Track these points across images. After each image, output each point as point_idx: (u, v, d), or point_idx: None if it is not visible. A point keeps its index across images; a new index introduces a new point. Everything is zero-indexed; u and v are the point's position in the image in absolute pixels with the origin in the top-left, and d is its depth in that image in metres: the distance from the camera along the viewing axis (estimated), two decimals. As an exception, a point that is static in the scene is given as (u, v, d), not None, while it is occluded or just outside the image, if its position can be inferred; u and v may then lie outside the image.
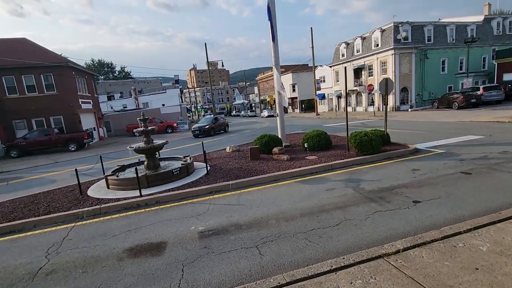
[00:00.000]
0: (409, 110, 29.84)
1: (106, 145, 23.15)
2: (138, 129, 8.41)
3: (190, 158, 9.20)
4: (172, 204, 6.59)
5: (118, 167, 9.00)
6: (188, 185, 7.51)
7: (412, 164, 8.29)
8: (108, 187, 7.80)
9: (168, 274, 3.82)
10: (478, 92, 24.55)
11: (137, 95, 46.12)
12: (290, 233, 4.66)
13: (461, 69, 32.51)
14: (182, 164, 8.46)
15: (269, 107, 62.23)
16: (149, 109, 36.60)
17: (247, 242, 4.49)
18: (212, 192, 7.15)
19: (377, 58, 32.26)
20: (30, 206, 7.04)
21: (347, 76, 9.44)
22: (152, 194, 6.99)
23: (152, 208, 6.45)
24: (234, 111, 76.34)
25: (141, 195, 6.85)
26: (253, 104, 75.06)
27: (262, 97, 68.96)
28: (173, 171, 7.80)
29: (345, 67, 9.72)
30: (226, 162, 9.86)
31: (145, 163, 8.56)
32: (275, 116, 47.59)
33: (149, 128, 8.48)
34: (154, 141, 8.61)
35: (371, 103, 34.22)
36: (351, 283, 3.11)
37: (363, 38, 34.77)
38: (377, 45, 32.24)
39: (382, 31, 31.40)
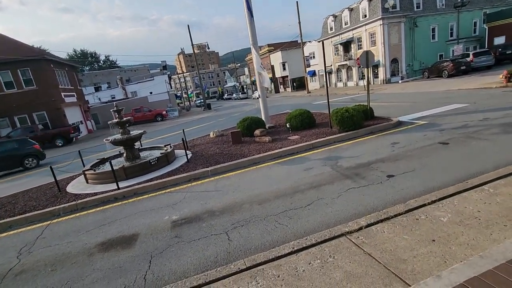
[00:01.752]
0: (400, 81, 29.53)
1: (95, 138, 22.85)
2: (112, 121, 8.21)
3: (171, 147, 9.08)
4: (149, 195, 6.55)
5: (98, 160, 8.87)
6: (167, 174, 7.45)
7: (392, 137, 8.25)
8: (87, 182, 7.73)
9: (136, 266, 3.82)
10: (468, 59, 24.21)
11: (124, 84, 45.10)
12: (261, 217, 4.66)
13: (451, 35, 31.87)
14: (161, 153, 8.35)
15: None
16: (137, 98, 35.95)
17: (218, 229, 4.49)
18: (190, 180, 7.11)
19: (366, 30, 31.46)
20: (7, 206, 6.98)
21: (324, 52, 9.15)
22: (130, 186, 6.94)
23: (129, 200, 6.41)
24: (226, 94, 75.25)
25: (118, 188, 6.80)
26: (244, 86, 73.97)
27: (253, 78, 67.82)
28: (151, 161, 7.71)
29: (322, 42, 9.42)
30: (208, 148, 9.77)
31: (124, 154, 8.44)
32: (267, 97, 47.09)
33: (124, 119, 8.28)
34: (131, 132, 8.44)
35: (362, 77, 33.76)
36: (309, 264, 3.12)
37: (351, 10, 33.71)
38: (365, 16, 31.32)
39: (370, 0, 30.39)
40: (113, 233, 4.90)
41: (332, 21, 37.58)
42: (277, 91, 57.56)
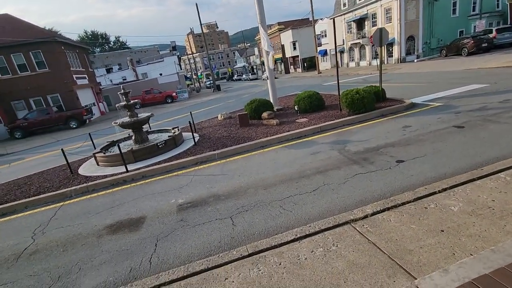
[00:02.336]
0: (415, 61, 28.21)
1: (107, 120, 23.17)
2: (120, 103, 8.21)
3: (178, 129, 9.08)
4: (157, 178, 6.63)
5: (107, 143, 9.00)
6: (174, 157, 7.50)
7: (404, 120, 7.95)
8: (97, 164, 7.89)
9: (142, 249, 3.91)
10: (491, 35, 22.72)
11: (134, 65, 45.07)
12: (266, 202, 4.64)
13: (474, 10, 29.78)
14: (169, 136, 8.37)
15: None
16: (147, 80, 35.91)
17: (223, 213, 4.51)
18: (197, 163, 7.13)
19: (381, 5, 29.77)
20: (23, 187, 7.24)
21: (335, 30, 8.71)
22: (138, 169, 7.03)
23: (137, 183, 6.52)
24: (236, 75, 74.25)
25: (127, 171, 6.90)
26: (254, 66, 72.64)
27: (262, 59, 66.42)
28: (158, 144, 7.74)
29: (334, 20, 8.95)
30: (216, 131, 9.73)
31: (133, 137, 8.51)
32: (276, 78, 46.17)
33: (131, 102, 8.27)
34: (138, 115, 8.45)
35: (375, 56, 32.39)
36: (311, 252, 3.09)
37: (366, -16, 31.80)
38: (382, -10, 29.53)
39: (387, -27, 28.51)
40: (121, 216, 5.02)
41: (346, -4, 35.67)
42: (287, 71, 56.27)
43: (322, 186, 4.84)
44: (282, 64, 57.66)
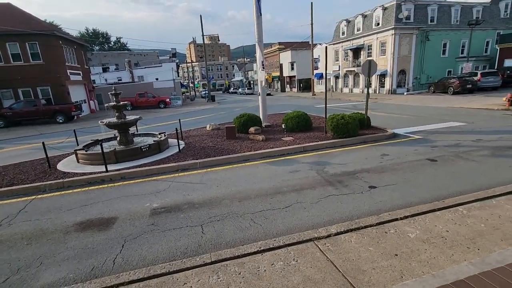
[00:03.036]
0: (405, 93, 29.40)
1: (96, 118, 22.94)
2: (109, 103, 8.27)
3: (165, 135, 9.15)
4: (136, 181, 6.64)
5: (91, 141, 8.97)
6: (156, 162, 7.54)
7: (384, 149, 8.28)
8: (78, 162, 7.83)
9: (108, 249, 3.91)
10: (476, 78, 24.05)
11: (131, 67, 45.19)
12: (238, 213, 4.74)
13: (462, 53, 31.59)
14: (154, 141, 8.43)
15: (267, 85, 61.29)
16: (142, 83, 36.00)
17: (194, 221, 4.57)
18: (178, 170, 7.19)
19: (377, 38, 31.25)
20: (-3, 177, 7.09)
21: (327, 57, 9.15)
22: (118, 170, 7.03)
23: (115, 184, 6.51)
24: (232, 88, 75.14)
25: (107, 171, 6.89)
26: (251, 82, 73.82)
27: (260, 75, 67.65)
28: (142, 147, 7.79)
29: (326, 47, 9.42)
30: (202, 140, 9.84)
31: (118, 138, 8.52)
32: (271, 95, 47.01)
33: (121, 103, 8.35)
34: (126, 117, 8.52)
35: (368, 85, 33.63)
36: (272, 264, 3.19)
37: (364, 16, 33.46)
38: (378, 24, 31.09)
39: (384, 9, 30.15)
40: (93, 214, 5.00)
41: (345, 26, 37.33)
42: (283, 90, 57.42)
43: (295, 204, 4.98)
44: (279, 82, 58.93)
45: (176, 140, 9.88)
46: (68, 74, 23.36)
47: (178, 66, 55.26)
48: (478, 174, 5.87)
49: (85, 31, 60.24)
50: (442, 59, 31.30)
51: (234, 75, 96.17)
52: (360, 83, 36.06)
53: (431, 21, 30.08)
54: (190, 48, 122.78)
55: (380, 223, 3.91)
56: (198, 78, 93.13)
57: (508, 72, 24.89)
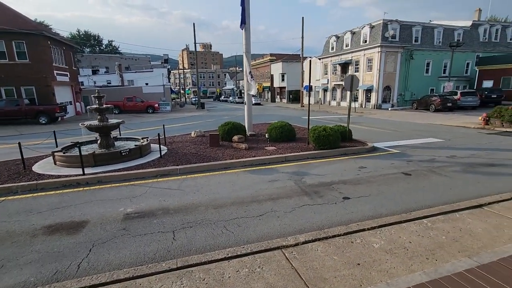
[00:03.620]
0: (389, 109, 30.29)
1: (81, 120, 22.53)
2: (91, 106, 8.21)
3: (147, 140, 9.11)
4: (113, 185, 6.56)
5: (71, 143, 8.82)
6: (136, 166, 7.48)
7: (362, 161, 8.50)
8: (55, 163, 7.68)
9: (74, 253, 3.84)
10: (456, 97, 25.10)
11: (122, 71, 44.88)
12: (212, 221, 4.75)
13: (444, 72, 32.97)
14: (135, 145, 8.38)
15: (257, 95, 61.88)
16: (131, 87, 35.76)
17: (167, 227, 4.56)
18: (157, 175, 7.15)
19: (364, 54, 32.29)
20: (-33, 177, 6.86)
21: (311, 71, 9.43)
22: (96, 173, 6.93)
23: (91, 188, 6.41)
24: (223, 96, 75.50)
25: (83, 174, 6.78)
26: (242, 91, 74.34)
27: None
28: (122, 151, 7.72)
29: (310, 60, 9.71)
30: (185, 147, 9.83)
31: (98, 141, 8.42)
32: (261, 104, 47.47)
33: (104, 106, 8.30)
34: (109, 120, 8.46)
35: (355, 99, 34.48)
36: (237, 271, 3.23)
37: (353, 33, 34.61)
38: (365, 41, 32.20)
39: (372, 27, 31.31)
40: (63, 218, 4.90)
41: (334, 41, 38.45)
42: (273, 100, 58.08)
43: (269, 213, 5.04)
44: (269, 92, 59.60)
45: (161, 146, 9.84)
46: (55, 74, 22.97)
47: (169, 72, 55.20)
48: (448, 189, 6.11)
49: (77, 32, 59.62)
50: (425, 77, 32.55)
51: (225, 83, 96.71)
52: (347, 97, 36.88)
53: (415, 41, 31.39)
54: (183, 55, 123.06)
55: (348, 233, 4.02)
56: (190, 84, 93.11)
57: (486, 92, 26.08)
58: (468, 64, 33.55)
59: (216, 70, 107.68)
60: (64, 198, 5.81)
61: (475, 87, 29.98)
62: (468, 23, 33.93)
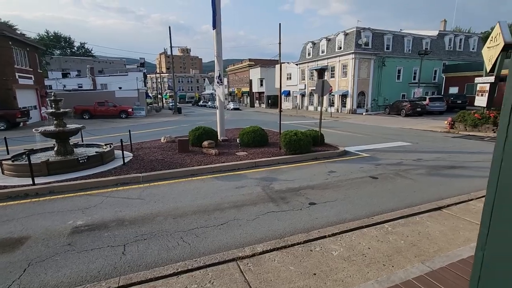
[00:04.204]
0: (364, 113, 31.19)
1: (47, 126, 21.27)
2: (47, 110, 7.64)
3: (110, 146, 8.62)
4: (66, 195, 6.07)
5: (25, 150, 8.15)
6: (94, 175, 7.00)
7: (332, 166, 8.51)
8: (2, 173, 7.03)
9: (5, 274, 3.42)
10: (424, 102, 26.27)
11: (94, 74, 43.12)
12: (169, 232, 4.47)
13: (414, 79, 34.53)
14: (96, 152, 7.88)
15: (237, 100, 61.76)
16: (103, 91, 34.40)
17: (118, 240, 4.21)
18: (118, 184, 6.73)
19: (339, 61, 33.16)
20: None
21: (281, 75, 9.40)
22: (49, 183, 6.40)
23: (41, 199, 5.89)
24: (202, 101, 74.61)
25: (33, 184, 6.23)
26: (221, 96, 73.84)
27: (231, 89, 68.23)
28: (79, 159, 7.21)
29: (280, 65, 9.68)
30: (152, 153, 9.41)
31: (55, 148, 7.84)
32: (240, 109, 47.33)
33: (61, 110, 7.76)
34: (67, 126, 7.91)
35: (331, 104, 35.25)
36: (185, 288, 2.98)
37: (328, 40, 35.50)
38: (340, 48, 33.11)
39: (346, 34, 32.26)
40: (1, 234, 4.41)
41: (311, 47, 39.23)
42: (252, 105, 58.15)
43: (232, 221, 4.83)
44: (249, 98, 59.64)
45: (126, 152, 9.35)
46: (17, 77, 21.55)
47: (145, 76, 53.74)
48: (412, 192, 6.20)
49: (45, 34, 56.72)
50: (397, 83, 33.93)
51: (205, 88, 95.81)
52: (324, 102, 37.65)
53: (387, 49, 32.69)
54: (160, 59, 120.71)
55: (308, 241, 3.89)
56: (167, 89, 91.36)
57: (452, 98, 27.54)
58: (435, 71, 35.36)
59: (195, 75, 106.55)
60: (7, 211, 5.27)
61: (442, 93, 31.62)
62: (435, 33, 35.87)
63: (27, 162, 6.73)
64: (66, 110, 7.93)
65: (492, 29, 14.94)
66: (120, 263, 3.65)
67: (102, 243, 4.14)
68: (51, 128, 7.53)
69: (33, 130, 7.74)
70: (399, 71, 33.73)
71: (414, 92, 32.11)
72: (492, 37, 14.64)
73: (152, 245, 4.07)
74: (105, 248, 4.01)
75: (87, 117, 27.46)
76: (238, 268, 3.30)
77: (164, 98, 73.33)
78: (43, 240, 4.22)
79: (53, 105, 7.69)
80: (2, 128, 18.46)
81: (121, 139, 8.04)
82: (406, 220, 4.51)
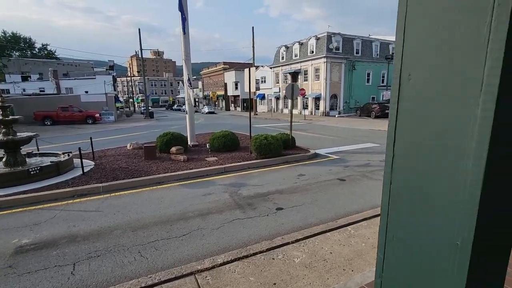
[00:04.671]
0: (336, 116, 32.11)
1: None
2: (-7, 118, 6.98)
3: (68, 155, 8.06)
4: (13, 210, 5.55)
5: (-32, 162, 7.39)
6: (49, 187, 6.48)
7: (302, 169, 8.56)
8: None
9: None
10: (391, 104, 27.53)
11: (57, 78, 40.73)
12: (126, 246, 4.19)
13: (383, 82, 36.21)
14: (51, 162, 7.31)
15: (212, 104, 61.20)
16: (66, 95, 32.54)
17: (68, 259, 3.87)
18: (75, 195, 6.27)
19: (312, 64, 33.95)
20: None
21: (250, 79, 9.36)
22: (-7, 197, 5.81)
23: (-17, 215, 5.33)
24: (176, 105, 73.02)
25: (-25, 199, 5.63)
26: (196, 99, 72.85)
27: (205, 93, 67.51)
28: (30, 170, 6.65)
29: (249, 69, 9.65)
30: (116, 161, 8.94)
31: (4, 159, 7.17)
32: (215, 113, 46.89)
33: (10, 117, 7.13)
34: (18, 134, 7.28)
35: (305, 106, 35.94)
36: (134, 309, 2.76)
37: (301, 44, 36.25)
38: (312, 51, 33.92)
39: (317, 39, 33.12)
40: None
41: (284, 51, 39.84)
42: (227, 109, 57.88)
43: (195, 231, 4.63)
44: (224, 101, 59.32)
45: (87, 160, 8.80)
46: (-33, 81, 19.76)
47: (115, 80, 51.64)
48: (377, 193, 6.35)
49: (2, 34, 52.74)
50: (367, 86, 35.34)
51: (179, 91, 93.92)
52: (298, 104, 38.31)
53: (356, 53, 33.98)
54: (131, 62, 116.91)
55: (271, 249, 3.80)
56: (139, 93, 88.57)
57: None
58: (401, 74, 37.18)
59: (169, 78, 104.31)
60: None
61: (407, 95, 33.33)
62: (399, 38, 37.78)
63: (-32, 175, 6.10)
64: (16, 117, 7.29)
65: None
66: (67, 284, 3.34)
67: (49, 263, 3.78)
68: (-1, 137, 6.88)
69: (-23, 139, 7.02)
70: (368, 75, 35.17)
71: (383, 95, 33.65)
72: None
73: (106, 262, 3.78)
74: (52, 268, 3.66)
75: (49, 123, 25.78)
76: (195, 283, 3.13)
77: (136, 102, 70.84)
78: (-21, 264, 3.77)
79: (1, 112, 7.04)
80: None
81: (79, 147, 7.52)
82: (369, 222, 4.57)
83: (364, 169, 8.44)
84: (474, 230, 0.63)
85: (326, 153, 10.89)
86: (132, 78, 66.27)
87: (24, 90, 36.90)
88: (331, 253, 3.68)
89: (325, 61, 31.79)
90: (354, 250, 3.74)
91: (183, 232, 4.60)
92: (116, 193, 6.49)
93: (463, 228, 0.66)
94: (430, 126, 0.73)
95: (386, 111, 26.67)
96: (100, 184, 6.62)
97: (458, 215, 0.67)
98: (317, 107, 34.79)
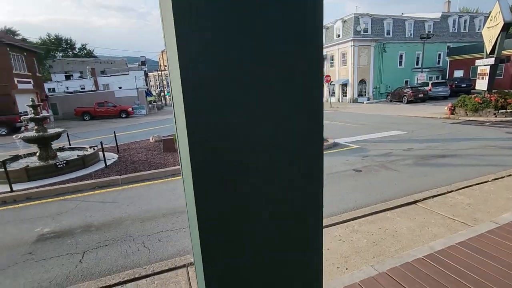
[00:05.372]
0: (365, 102, 30.54)
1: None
2: (25, 117, 7.66)
3: (94, 149, 8.62)
4: (41, 201, 6.09)
5: (10, 156, 8.23)
6: (74, 179, 7.00)
7: (318, 159, 8.29)
8: (-15, 180, 7.09)
9: (-42, 286, 3.42)
10: (427, 88, 25.51)
11: (95, 75, 43.45)
12: (133, 236, 4.40)
13: (417, 64, 33.52)
14: (77, 155, 7.88)
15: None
16: (103, 92, 34.62)
17: (79, 247, 4.17)
18: (95, 187, 6.71)
19: (338, 49, 32.41)
20: None
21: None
22: (27, 189, 6.43)
23: (17, 206, 5.92)
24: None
25: (12, 190, 6.27)
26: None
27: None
28: (57, 163, 7.22)
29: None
30: (137, 153, 9.38)
31: (37, 153, 7.87)
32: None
33: (40, 115, 7.76)
34: (48, 130, 7.92)
35: (332, 93, 34.61)
36: (125, 299, 2.90)
37: (327, 28, 34.66)
38: (339, 35, 32.32)
39: (344, 21, 31.43)
40: (-34, 244, 4.43)
41: (310, 36, 38.40)
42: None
43: (199, 223, 4.73)
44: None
45: (111, 153, 9.37)
46: (15, 82, 21.85)
47: (147, 75, 53.87)
48: (392, 184, 5.97)
49: (47, 37, 57.28)
50: (399, 69, 33.02)
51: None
52: (324, 92, 37.02)
53: (387, 34, 31.73)
54: (162, 56, 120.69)
55: (267, 243, 3.75)
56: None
57: (456, 82, 26.65)
58: (440, 55, 34.22)
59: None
60: (-20, 220, 5.31)
61: (447, 77, 30.66)
62: (438, 15, 34.58)
63: (9, 169, 6.78)
64: (45, 115, 7.92)
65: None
66: (75, 272, 3.60)
67: (63, 250, 4.11)
68: (31, 133, 7.55)
69: (13, 136, 7.78)
70: (401, 57, 32.79)
71: (417, 78, 31.26)
72: (492, 16, 13.97)
73: (112, 251, 4.02)
74: (64, 256, 3.97)
75: (87, 118, 27.77)
76: (186, 275, 3.20)
77: (167, 96, 73.53)
78: (7, 249, 4.22)
79: (32, 111, 7.68)
80: (3, 133, 18.80)
81: (101, 142, 8.00)
82: (376, 217, 4.32)
83: (384, 159, 7.97)
84: None
85: (346, 142, 10.45)
86: (163, 72, 68.55)
87: (67, 88, 39.99)
88: (328, 249, 3.54)
89: (352, 44, 30.13)
90: (354, 247, 3.55)
91: (187, 224, 4.72)
92: (133, 185, 6.83)
93: None
94: None
95: (420, 95, 24.82)
96: (119, 176, 7.01)
97: None
98: (344, 93, 33.36)
